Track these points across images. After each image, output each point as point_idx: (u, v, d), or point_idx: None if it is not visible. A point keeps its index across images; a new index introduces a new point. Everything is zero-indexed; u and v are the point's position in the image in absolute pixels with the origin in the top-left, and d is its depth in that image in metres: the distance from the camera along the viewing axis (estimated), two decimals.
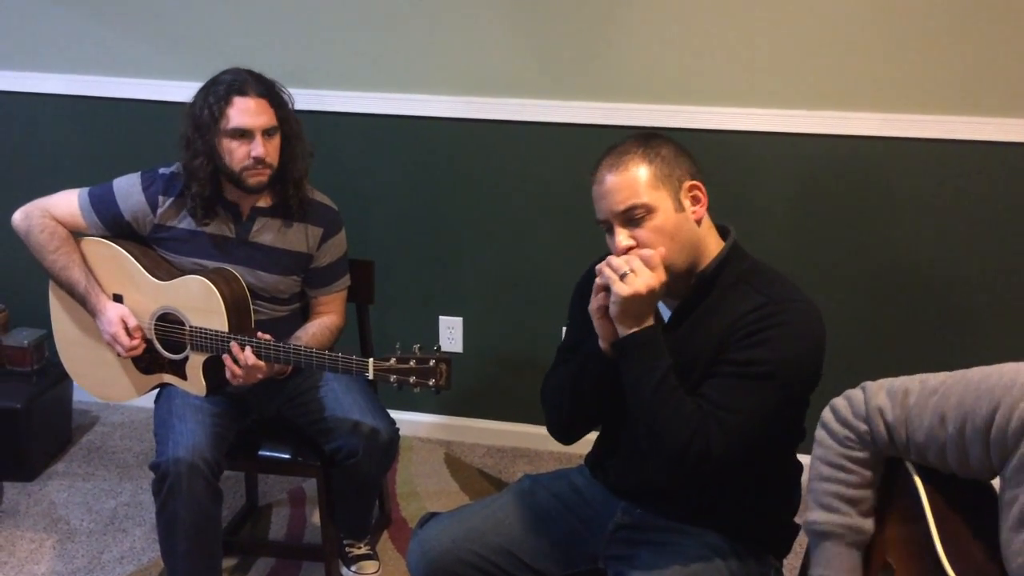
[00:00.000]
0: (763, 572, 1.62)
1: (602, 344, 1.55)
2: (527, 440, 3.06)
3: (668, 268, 1.49)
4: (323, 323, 2.21)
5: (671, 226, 1.51)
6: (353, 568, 2.35)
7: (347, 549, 2.39)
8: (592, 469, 1.80)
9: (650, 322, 1.50)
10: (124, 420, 3.15)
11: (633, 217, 1.50)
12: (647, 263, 1.46)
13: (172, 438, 1.96)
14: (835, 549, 1.31)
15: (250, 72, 2.05)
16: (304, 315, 2.27)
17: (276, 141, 2.04)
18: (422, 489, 2.82)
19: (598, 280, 1.50)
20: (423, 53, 2.74)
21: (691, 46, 2.59)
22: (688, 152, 1.59)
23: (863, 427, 1.30)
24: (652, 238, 1.50)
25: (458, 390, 3.09)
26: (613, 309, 1.49)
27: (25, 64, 2.96)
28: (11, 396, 2.74)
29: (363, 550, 2.39)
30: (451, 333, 3.07)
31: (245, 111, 1.98)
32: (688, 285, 1.57)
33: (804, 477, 1.58)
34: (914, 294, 2.71)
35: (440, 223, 2.94)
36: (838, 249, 2.71)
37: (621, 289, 1.45)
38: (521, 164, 2.79)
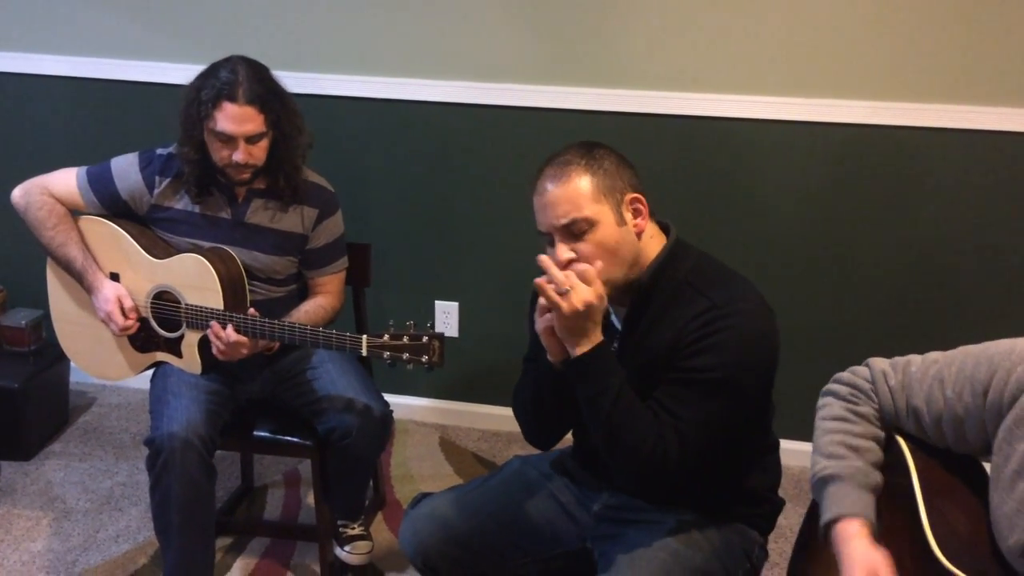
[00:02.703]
0: (746, 548, 1.64)
1: (551, 359, 1.55)
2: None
3: (607, 282, 1.48)
4: (318, 302, 2.22)
5: (612, 240, 1.50)
6: (347, 548, 2.37)
7: (341, 529, 2.40)
8: (576, 457, 1.82)
9: (598, 338, 1.48)
10: (121, 401, 3.16)
11: (575, 231, 1.49)
12: (583, 278, 1.44)
13: (167, 414, 1.98)
14: (844, 488, 1.29)
15: (249, 66, 2.02)
16: (302, 296, 2.29)
17: (263, 143, 2.03)
18: (416, 472, 2.84)
19: (540, 301, 1.48)
20: (423, 38, 2.75)
21: (691, 33, 2.60)
22: (630, 163, 1.57)
23: (868, 386, 1.34)
24: (593, 252, 1.49)
25: (453, 375, 3.11)
26: (559, 328, 1.48)
27: (24, 46, 2.97)
28: (8, 376, 2.75)
29: (357, 531, 2.40)
30: (447, 318, 3.08)
31: (231, 118, 1.96)
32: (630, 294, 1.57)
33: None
34: (920, 280, 2.72)
35: (438, 208, 2.95)
36: (840, 237, 2.72)
37: (562, 307, 1.43)
38: (519, 150, 2.79)
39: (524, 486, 1.80)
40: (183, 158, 2.05)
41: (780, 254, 2.75)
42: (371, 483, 2.63)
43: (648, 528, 1.64)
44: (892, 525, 1.27)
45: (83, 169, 2.15)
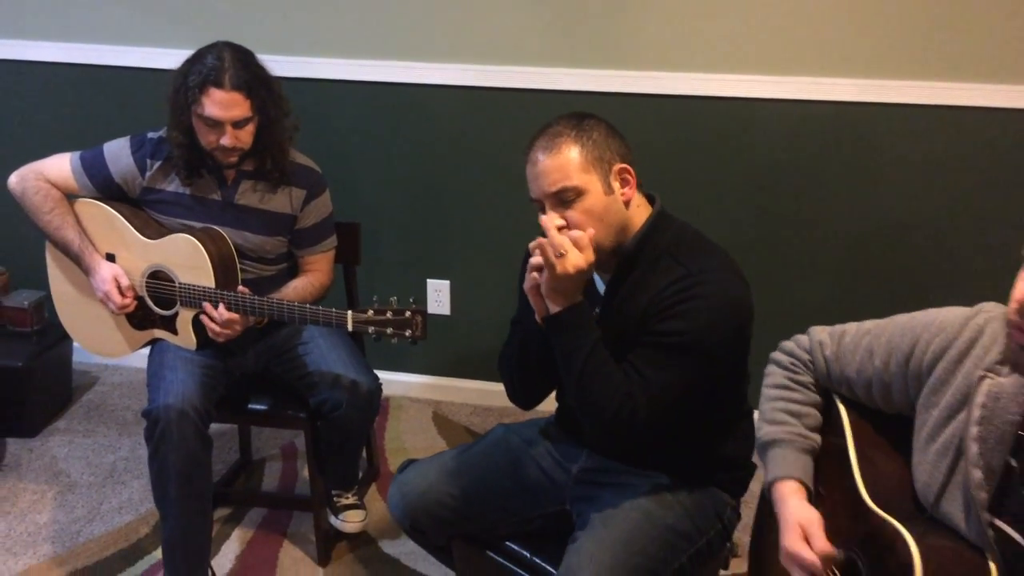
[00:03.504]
0: (718, 510, 1.72)
1: (538, 319, 1.63)
2: None
3: (596, 248, 1.56)
4: (308, 279, 2.29)
5: (600, 208, 1.58)
6: (340, 517, 2.45)
7: (335, 499, 2.49)
8: (558, 421, 1.91)
9: (579, 299, 1.57)
10: (123, 380, 3.25)
11: (564, 199, 1.57)
12: (577, 244, 1.52)
13: (163, 387, 2.06)
14: (784, 453, 1.39)
15: (234, 52, 2.07)
16: (292, 274, 2.35)
17: (249, 127, 2.09)
18: (410, 445, 2.92)
19: (532, 260, 1.57)
20: (417, 21, 2.80)
21: (679, 13, 2.65)
22: (619, 134, 1.64)
23: (806, 356, 1.42)
24: (581, 219, 1.56)
25: (446, 352, 3.19)
26: (545, 287, 1.56)
27: (17, 33, 3.04)
28: (12, 355, 2.84)
29: (350, 500, 2.49)
30: (439, 296, 3.15)
31: (218, 103, 2.02)
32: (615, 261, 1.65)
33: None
34: (894, 257, 2.78)
35: (430, 188, 3.01)
36: (802, 212, 2.79)
37: (555, 268, 1.51)
38: (510, 131, 2.84)
39: (507, 451, 1.88)
40: (172, 142, 2.12)
41: (743, 229, 2.82)
42: (365, 455, 2.72)
43: (623, 490, 1.72)
44: (830, 478, 1.34)
45: (77, 154, 2.22)
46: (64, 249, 2.21)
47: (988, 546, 1.11)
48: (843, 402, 1.36)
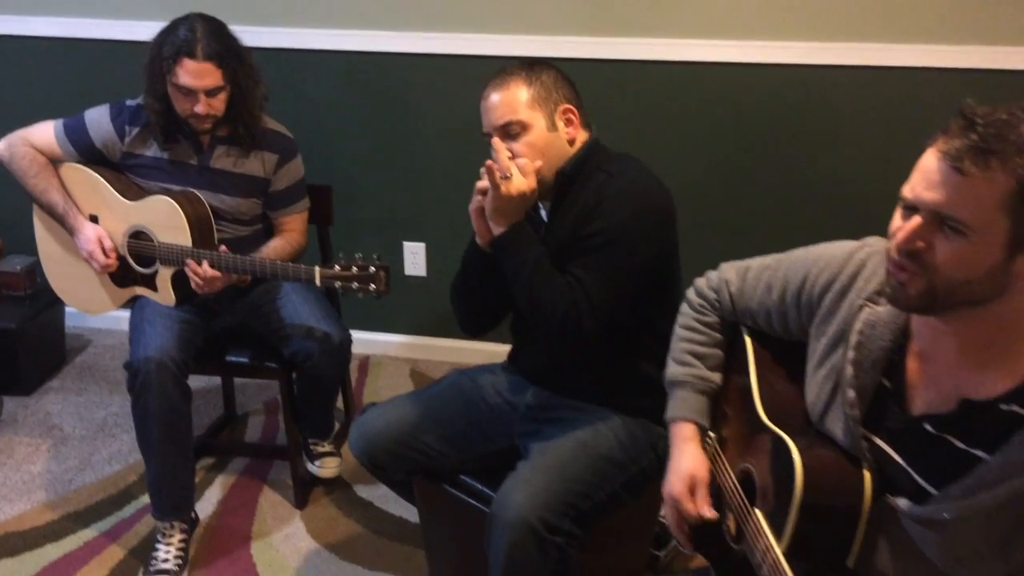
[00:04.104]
0: (651, 440, 1.85)
1: (479, 242, 1.79)
2: (486, 357, 3.20)
3: (539, 179, 1.72)
4: (284, 240, 2.43)
5: (543, 143, 1.74)
6: (317, 464, 2.60)
7: (312, 447, 2.63)
8: (509, 363, 2.05)
9: (520, 218, 1.74)
10: (115, 343, 3.39)
11: (510, 132, 1.74)
12: (522, 170, 1.70)
13: (143, 341, 2.20)
14: (684, 394, 1.53)
15: (207, 24, 2.19)
16: (268, 235, 2.49)
17: (222, 96, 2.22)
18: (386, 398, 3.05)
19: (479, 184, 1.73)
20: None
21: None
22: (570, 80, 1.80)
23: (713, 295, 1.54)
24: (525, 151, 1.73)
25: (423, 312, 3.33)
26: (489, 208, 1.72)
27: (4, 7, 3.16)
28: (6, 317, 2.98)
29: (327, 448, 2.64)
30: (415, 258, 3.29)
31: (191, 72, 2.14)
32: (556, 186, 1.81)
33: None
34: (830, 216, 2.89)
35: (405, 153, 3.13)
36: (751, 176, 2.90)
37: (500, 189, 1.68)
38: (479, 96, 2.95)
39: (460, 393, 2.03)
40: (149, 109, 2.25)
41: (692, 192, 2.92)
42: (344, 408, 2.86)
43: (564, 425, 1.86)
44: (735, 399, 1.48)
45: (60, 121, 2.35)
46: (50, 211, 2.34)
47: (864, 456, 1.24)
48: (749, 332, 1.49)
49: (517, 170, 1.70)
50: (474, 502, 1.94)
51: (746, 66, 2.78)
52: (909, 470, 1.18)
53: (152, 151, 2.32)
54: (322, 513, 2.51)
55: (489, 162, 1.70)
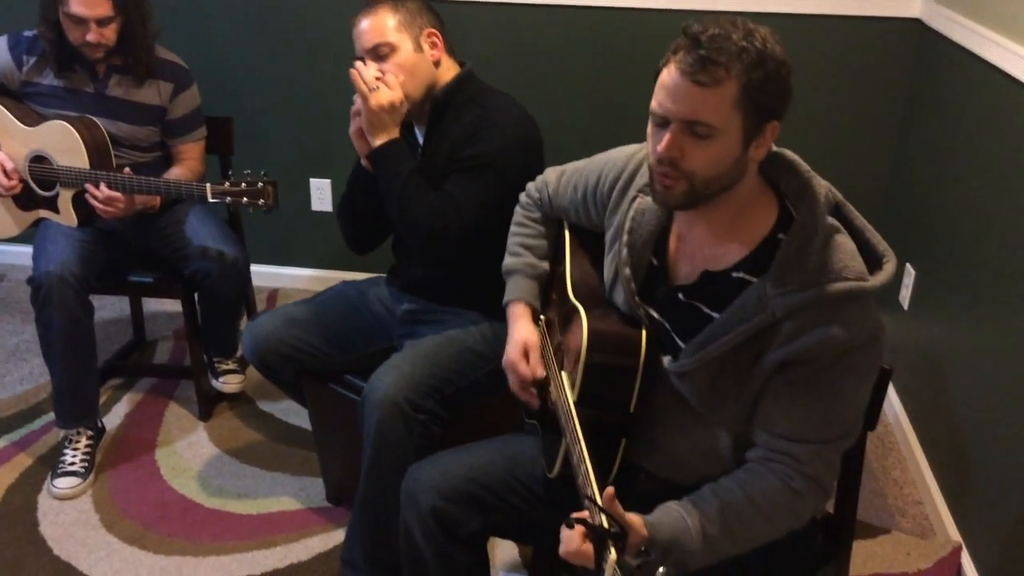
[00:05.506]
0: None
1: (363, 162, 1.97)
2: None
3: (407, 96, 1.91)
4: (185, 168, 2.57)
5: (410, 64, 1.93)
6: (221, 380, 2.76)
7: (216, 365, 2.79)
8: (389, 276, 2.24)
9: (395, 134, 1.91)
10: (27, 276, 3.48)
11: (380, 54, 1.92)
12: (386, 83, 1.88)
13: (44, 257, 2.33)
14: (516, 279, 1.73)
15: None
16: (167, 163, 2.62)
17: (113, 26, 2.33)
18: None
19: (353, 108, 1.90)
20: None
21: None
22: (434, 9, 2.00)
23: (537, 196, 1.76)
24: (394, 70, 1.91)
25: (331, 247, 3.48)
26: (365, 124, 1.90)
27: None
28: None
29: (231, 366, 2.80)
30: (321, 194, 3.43)
31: (82, 2, 2.25)
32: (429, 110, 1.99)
33: None
34: None
35: (310, 89, 3.26)
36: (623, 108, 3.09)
37: (370, 101, 1.85)
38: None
39: (344, 300, 2.21)
40: (43, 38, 2.35)
41: (557, 122, 3.14)
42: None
43: (436, 325, 2.06)
44: (557, 283, 1.69)
45: None
46: None
47: (642, 321, 1.46)
48: (568, 227, 1.70)
49: (381, 83, 1.87)
50: (356, 397, 2.11)
51: (608, 10, 2.97)
52: (672, 333, 1.41)
53: (49, 80, 2.42)
54: (225, 424, 2.67)
55: (352, 71, 1.87)
